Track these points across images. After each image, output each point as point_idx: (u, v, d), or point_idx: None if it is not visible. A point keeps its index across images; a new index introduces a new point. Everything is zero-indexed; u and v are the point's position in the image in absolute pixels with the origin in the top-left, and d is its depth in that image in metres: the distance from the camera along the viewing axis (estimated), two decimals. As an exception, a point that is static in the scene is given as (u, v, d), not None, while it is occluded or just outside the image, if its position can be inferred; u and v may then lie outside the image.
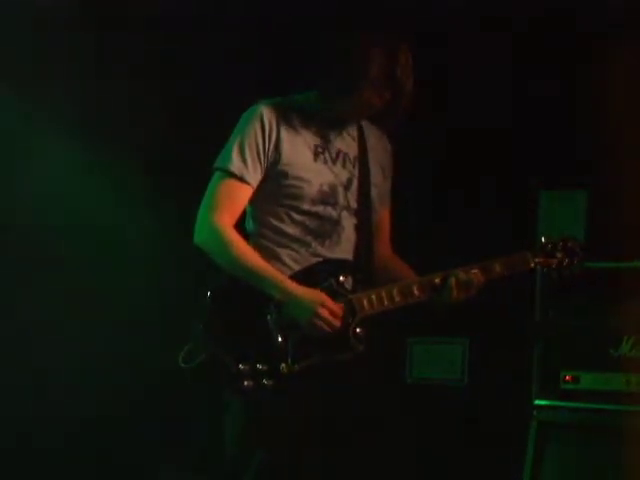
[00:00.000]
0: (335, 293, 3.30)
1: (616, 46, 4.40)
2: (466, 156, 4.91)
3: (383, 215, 3.57)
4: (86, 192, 5.04)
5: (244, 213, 3.40)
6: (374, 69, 3.28)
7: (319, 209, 3.37)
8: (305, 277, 3.31)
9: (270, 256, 3.34)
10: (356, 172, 3.44)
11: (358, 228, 3.43)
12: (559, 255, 3.49)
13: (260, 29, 4.94)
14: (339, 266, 3.37)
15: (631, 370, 4.12)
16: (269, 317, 3.26)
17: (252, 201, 3.39)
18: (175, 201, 4.69)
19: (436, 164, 4.92)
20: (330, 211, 3.38)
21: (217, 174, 3.37)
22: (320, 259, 3.36)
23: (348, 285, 3.35)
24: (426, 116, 3.86)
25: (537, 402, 4.24)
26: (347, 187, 3.42)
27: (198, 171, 3.48)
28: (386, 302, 3.33)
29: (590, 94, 4.55)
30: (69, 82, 4.99)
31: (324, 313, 3.22)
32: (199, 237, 3.34)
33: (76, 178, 5.01)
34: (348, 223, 3.41)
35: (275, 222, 3.37)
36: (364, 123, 3.50)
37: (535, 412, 4.23)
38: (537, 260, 3.48)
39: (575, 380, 4.20)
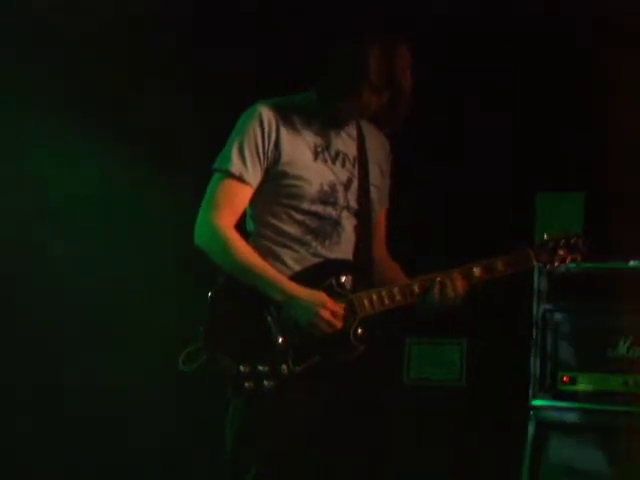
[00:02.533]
0: (335, 293, 3.30)
1: (616, 47, 4.41)
2: (466, 156, 4.91)
3: (381, 215, 3.58)
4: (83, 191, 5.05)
5: (244, 213, 3.40)
6: (373, 72, 3.28)
7: (319, 209, 3.37)
8: (305, 277, 3.31)
9: (270, 256, 3.34)
10: (356, 172, 3.44)
11: (358, 228, 3.43)
12: (561, 252, 3.48)
13: (259, 28, 4.94)
14: (339, 266, 3.37)
15: (628, 371, 4.12)
16: (269, 318, 3.27)
17: (252, 201, 3.38)
18: (175, 202, 4.69)
19: (436, 164, 4.92)
20: (330, 211, 3.38)
21: (217, 175, 3.37)
22: (320, 259, 3.36)
23: (348, 285, 3.34)
24: (426, 116, 3.86)
25: (535, 402, 4.24)
26: (347, 187, 3.42)
27: (197, 171, 3.49)
28: (387, 301, 3.33)
29: (589, 95, 4.56)
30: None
31: (325, 314, 3.23)
32: (199, 238, 3.34)
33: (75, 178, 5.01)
34: (348, 223, 3.42)
35: (275, 222, 3.37)
36: (363, 122, 3.50)
37: (532, 412, 4.23)
38: (540, 257, 3.47)
39: (572, 381, 4.20)
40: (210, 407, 3.43)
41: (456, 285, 3.34)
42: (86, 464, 5.02)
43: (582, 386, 4.19)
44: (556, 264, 3.48)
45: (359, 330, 3.30)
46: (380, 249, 3.56)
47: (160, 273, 4.95)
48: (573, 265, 3.53)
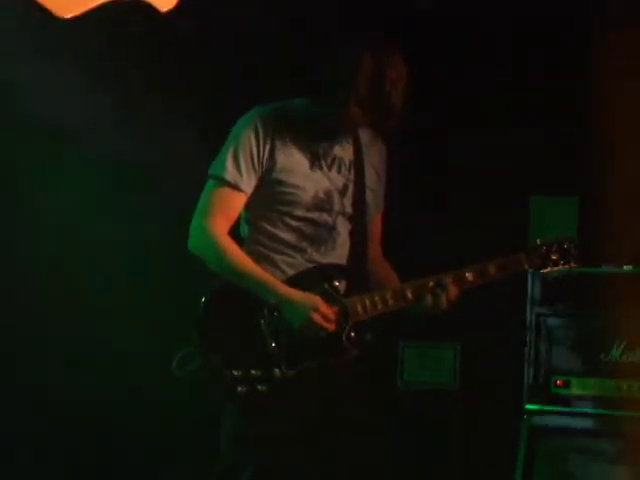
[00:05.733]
0: (329, 297, 3.31)
1: (616, 49, 4.41)
2: (460, 159, 4.91)
3: (376, 218, 3.58)
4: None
5: (238, 219, 3.41)
6: (362, 89, 3.27)
7: (314, 215, 3.38)
8: (299, 281, 3.33)
9: (265, 261, 3.35)
10: (351, 177, 3.45)
11: (353, 233, 3.44)
12: (554, 257, 3.49)
13: (259, 32, 4.94)
14: (333, 271, 3.38)
15: (621, 375, 4.13)
16: (262, 322, 3.27)
17: (247, 207, 3.40)
18: (173, 205, 4.68)
19: (434, 165, 4.93)
20: (325, 217, 3.39)
21: (211, 182, 3.38)
22: (315, 264, 3.37)
23: (342, 289, 3.36)
24: (424, 118, 3.88)
25: (528, 406, 4.25)
26: (343, 193, 3.43)
27: (195, 175, 3.49)
28: (379, 306, 3.34)
29: (585, 99, 4.56)
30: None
31: (317, 317, 3.24)
32: (193, 244, 3.36)
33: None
34: (343, 228, 3.43)
35: (270, 228, 3.38)
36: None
37: (526, 416, 4.23)
38: (532, 262, 3.48)
39: (566, 385, 4.21)
40: (205, 409, 3.43)
41: (448, 290, 3.35)
42: (84, 464, 5.03)
43: (576, 390, 4.20)
44: (549, 269, 3.49)
45: (352, 334, 3.31)
46: (375, 251, 3.57)
47: (157, 277, 4.96)
48: (566, 271, 3.54)
